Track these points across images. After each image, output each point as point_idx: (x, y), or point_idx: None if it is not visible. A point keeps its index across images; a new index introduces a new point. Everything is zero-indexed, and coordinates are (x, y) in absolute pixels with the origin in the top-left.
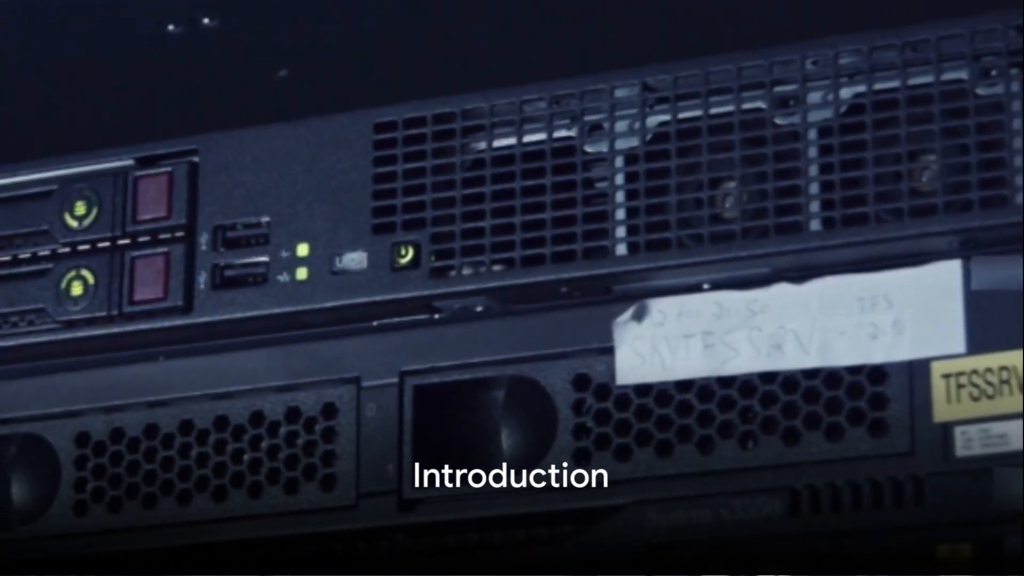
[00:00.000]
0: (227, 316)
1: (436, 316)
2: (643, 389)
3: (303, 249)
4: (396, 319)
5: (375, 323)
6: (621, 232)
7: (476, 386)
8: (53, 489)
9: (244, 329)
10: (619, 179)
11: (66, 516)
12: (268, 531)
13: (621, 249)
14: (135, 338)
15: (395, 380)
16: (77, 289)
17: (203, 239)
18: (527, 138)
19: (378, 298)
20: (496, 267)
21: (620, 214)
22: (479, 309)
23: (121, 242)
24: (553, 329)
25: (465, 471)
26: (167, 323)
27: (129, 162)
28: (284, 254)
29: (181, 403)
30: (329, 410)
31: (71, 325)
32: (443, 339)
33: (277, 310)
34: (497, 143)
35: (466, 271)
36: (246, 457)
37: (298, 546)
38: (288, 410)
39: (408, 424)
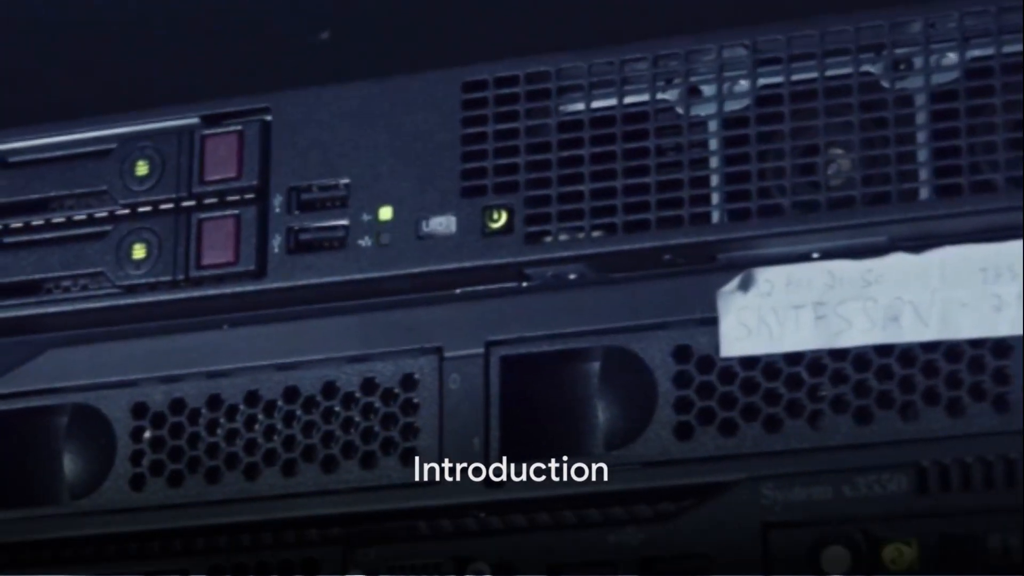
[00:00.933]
0: (303, 281)
1: (524, 284)
2: (749, 361)
3: (386, 212)
4: (481, 287)
5: (458, 291)
6: (728, 198)
7: (568, 357)
8: (107, 462)
9: (320, 295)
10: (724, 143)
11: (122, 490)
12: (343, 507)
13: (727, 216)
14: (202, 304)
15: (480, 350)
16: (139, 252)
17: (277, 201)
18: (628, 99)
19: (468, 264)
20: (595, 233)
21: (726, 180)
22: (571, 277)
23: (186, 204)
24: (651, 298)
25: (556, 446)
26: (238, 288)
27: (194, 120)
28: (365, 217)
29: (246, 373)
30: (408, 381)
31: (132, 290)
32: (532, 308)
33: (358, 276)
34: (596, 104)
35: (563, 237)
36: (318, 430)
37: (376, 523)
38: (364, 381)
39: (495, 396)
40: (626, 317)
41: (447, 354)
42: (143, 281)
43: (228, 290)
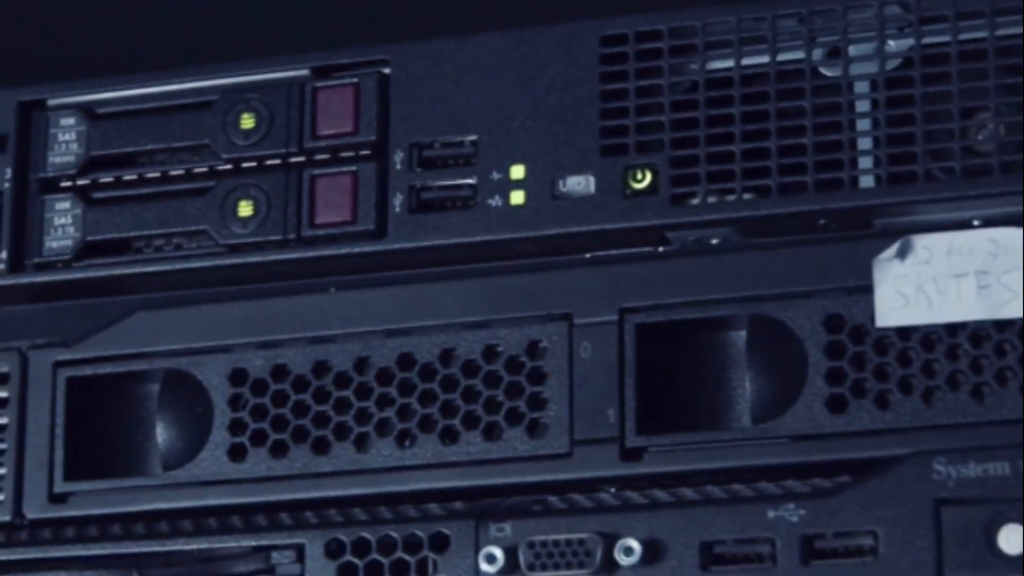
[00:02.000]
0: (426, 243)
1: (660, 249)
2: (905, 332)
3: (518, 171)
4: (614, 251)
5: (588, 255)
6: (889, 161)
7: (709, 325)
8: (204, 431)
9: (443, 257)
10: (884, 104)
11: (220, 461)
12: (464, 480)
13: (887, 180)
14: (314, 265)
15: (614, 317)
16: (246, 210)
17: (398, 158)
18: (781, 56)
19: (607, 226)
20: (747, 196)
21: (887, 142)
22: (714, 242)
23: (295, 159)
24: (798, 265)
25: (697, 418)
26: (356, 249)
27: (304, 72)
28: (495, 176)
29: (355, 339)
30: (535, 349)
31: (237, 249)
32: (670, 274)
33: (487, 237)
34: (747, 61)
35: (711, 199)
36: (436, 399)
37: (501, 496)
38: (486, 348)
39: (630, 366)
40: (772, 284)
41: (577, 321)
42: (250, 240)
43: (344, 250)
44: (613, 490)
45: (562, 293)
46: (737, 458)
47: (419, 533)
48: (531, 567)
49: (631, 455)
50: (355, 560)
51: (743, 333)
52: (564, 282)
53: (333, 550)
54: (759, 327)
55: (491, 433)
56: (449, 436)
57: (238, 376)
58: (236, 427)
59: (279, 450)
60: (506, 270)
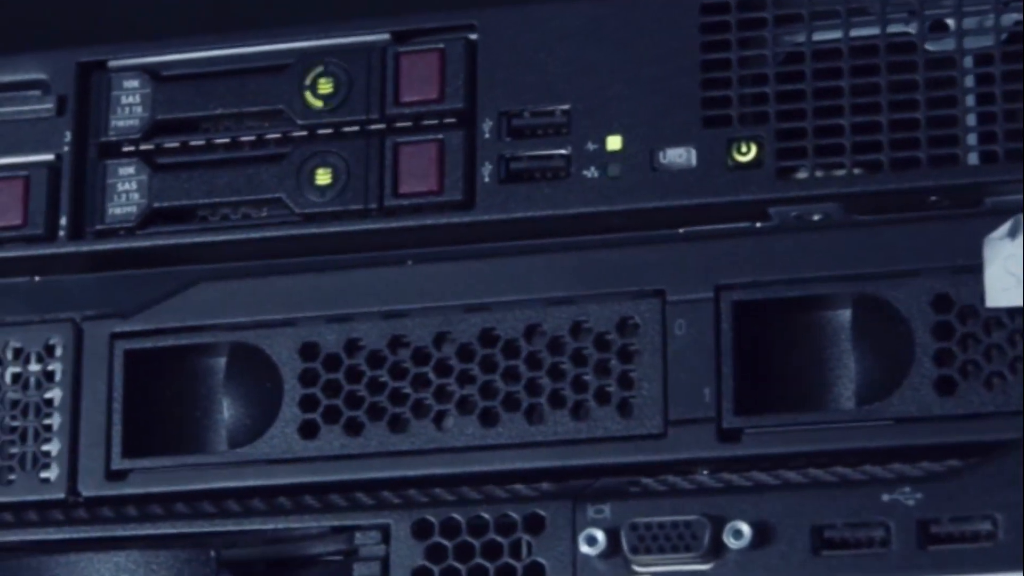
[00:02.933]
0: (517, 214)
1: (758, 225)
2: (1015, 313)
3: (614, 142)
4: (708, 226)
5: (681, 230)
6: (1006, 138)
7: (809, 304)
8: (273, 407)
9: (534, 229)
10: (1001, 79)
11: (290, 438)
12: (551, 460)
13: (997, 157)
14: (396, 235)
15: (710, 294)
16: (324, 178)
17: (486, 126)
18: (892, 28)
19: (709, 200)
20: (856, 170)
21: (1004, 118)
22: (815, 218)
23: (375, 127)
24: (904, 243)
25: (797, 399)
26: (443, 220)
27: (385, 36)
28: (591, 147)
29: (432, 313)
30: (626, 326)
31: (314, 219)
32: (769, 250)
33: (582, 209)
34: (855, 32)
35: (818, 174)
36: (520, 377)
37: (591, 478)
38: (573, 325)
39: (727, 344)
40: (876, 262)
41: (670, 298)
42: (329, 209)
43: (430, 221)
44: (706, 472)
45: (654, 269)
46: (840, 441)
47: (512, 514)
48: (634, 550)
49: (729, 436)
50: (444, 542)
51: (844, 312)
52: (656, 257)
53: (421, 531)
54: (864, 306)
55: (580, 412)
56: (535, 415)
57: (309, 350)
58: (307, 403)
59: (353, 428)
60: (594, 244)
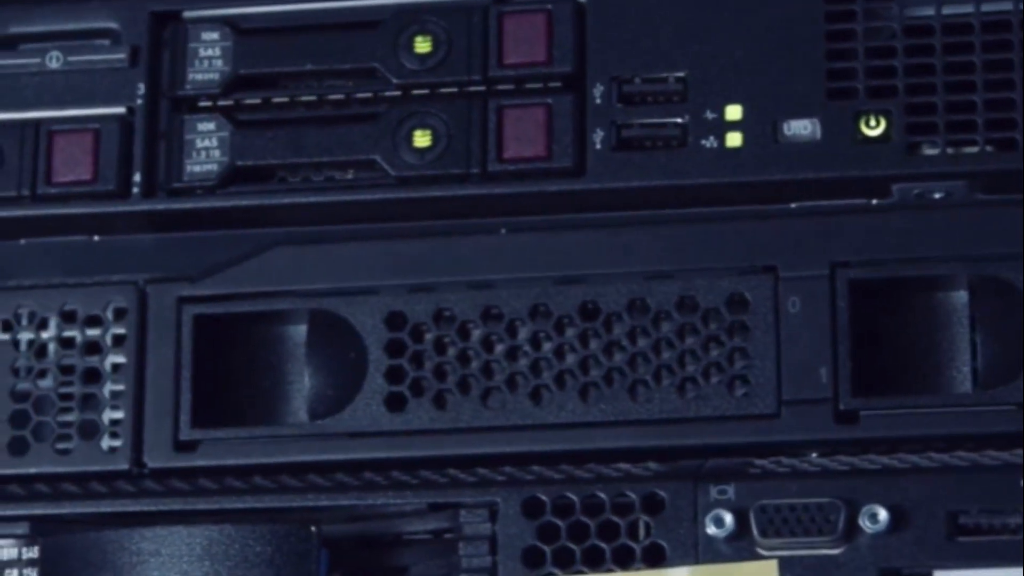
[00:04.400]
0: (630, 183)
1: (875, 201)
2: None
3: (734, 111)
4: (823, 202)
5: (794, 205)
6: None
7: (927, 284)
8: (357, 379)
9: (646, 199)
10: None
11: (375, 411)
12: (659, 439)
13: None
14: (499, 202)
15: (825, 272)
16: (422, 140)
17: (597, 92)
18: None
19: (835, 174)
20: (988, 148)
21: None
22: (937, 196)
23: (474, 88)
24: None
25: (916, 380)
26: (551, 187)
27: None
28: (709, 115)
29: (527, 284)
30: (736, 302)
31: (410, 182)
32: (887, 228)
33: (700, 180)
34: (987, 8)
35: (948, 150)
36: (623, 351)
37: (699, 458)
38: (680, 299)
39: (843, 323)
40: (998, 243)
41: (783, 274)
42: (427, 173)
43: (536, 188)
44: (815, 455)
45: (765, 244)
46: (960, 425)
47: (630, 494)
48: (764, 532)
49: (845, 418)
50: (557, 521)
51: (961, 294)
52: (767, 232)
53: (532, 510)
54: (982, 288)
55: (688, 390)
56: (640, 392)
57: (396, 320)
58: (394, 375)
59: (443, 401)
60: (700, 217)
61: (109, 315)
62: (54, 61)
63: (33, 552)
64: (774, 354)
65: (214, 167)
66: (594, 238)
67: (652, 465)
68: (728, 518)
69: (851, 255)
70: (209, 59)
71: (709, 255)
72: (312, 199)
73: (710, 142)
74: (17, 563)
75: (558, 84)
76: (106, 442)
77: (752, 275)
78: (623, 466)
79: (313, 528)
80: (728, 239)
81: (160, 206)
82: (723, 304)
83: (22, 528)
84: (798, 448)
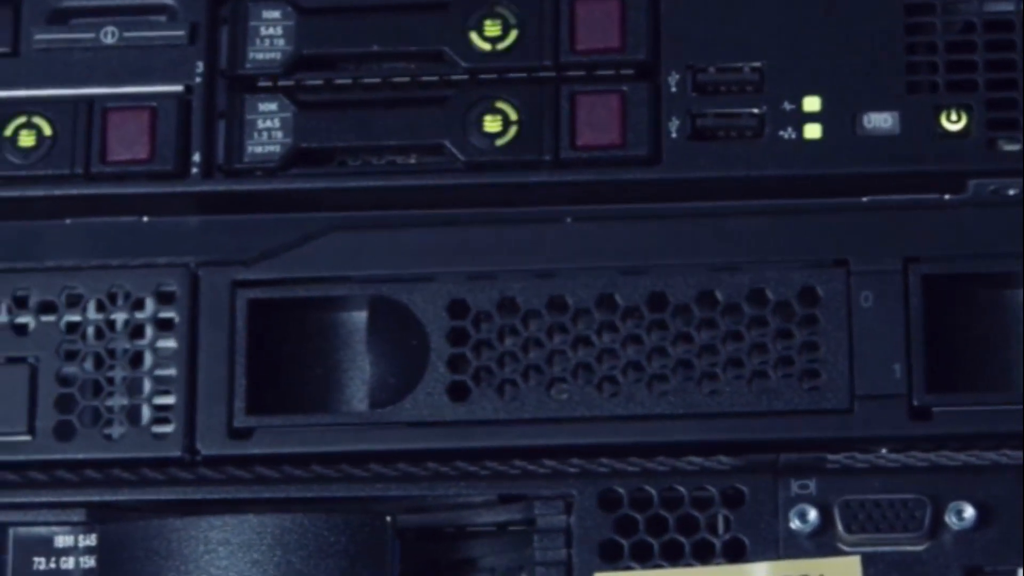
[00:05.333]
0: (706, 173)
1: (947, 197)
2: None
3: (812, 103)
4: (894, 196)
5: (865, 199)
6: None
7: (1002, 281)
8: (418, 368)
9: (721, 190)
10: None
11: (437, 401)
12: (725, 433)
13: None
14: (570, 189)
15: (898, 267)
16: (493, 125)
17: (672, 80)
18: None
19: (914, 168)
20: None
21: None
22: (1011, 192)
23: (545, 74)
24: None
25: (989, 378)
26: (626, 175)
27: None
28: (787, 107)
29: (592, 274)
30: (808, 296)
31: (479, 168)
32: (960, 223)
33: (778, 172)
34: None
35: None
36: (692, 342)
37: (770, 452)
38: (751, 292)
39: (918, 318)
40: None
41: (855, 268)
42: (498, 159)
43: (610, 176)
44: (885, 451)
45: (837, 237)
46: None
47: (709, 488)
48: (848, 528)
49: (920, 414)
50: (635, 514)
51: None
52: (839, 226)
53: (608, 503)
54: None
55: (759, 384)
56: (710, 385)
57: (458, 308)
58: (457, 364)
59: (508, 391)
60: (771, 210)
61: (159, 298)
62: (109, 36)
63: (90, 540)
64: (847, 349)
65: (277, 148)
66: (661, 228)
67: (723, 459)
68: (812, 513)
69: (924, 250)
70: (270, 38)
71: (780, 248)
72: (378, 183)
73: (788, 133)
74: (74, 550)
75: (630, 71)
76: (157, 428)
77: (823, 269)
78: (695, 459)
79: (388, 518)
80: (799, 232)
81: (219, 187)
82: (794, 297)
83: (78, 515)
84: (870, 444)
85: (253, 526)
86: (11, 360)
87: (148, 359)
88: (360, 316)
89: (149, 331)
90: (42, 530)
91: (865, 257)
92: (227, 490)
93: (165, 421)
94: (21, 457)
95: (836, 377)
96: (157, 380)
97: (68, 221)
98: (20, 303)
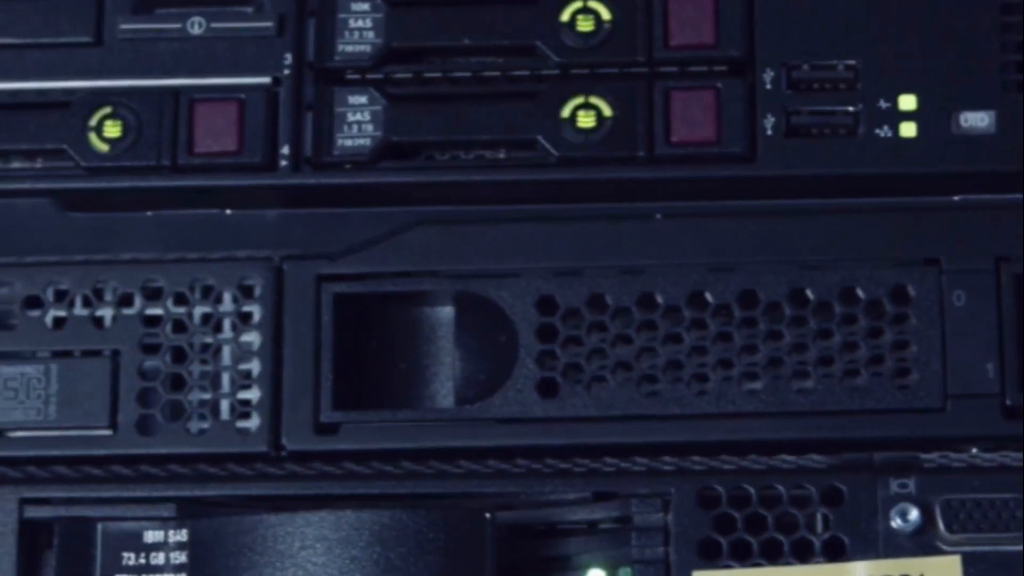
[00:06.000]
0: (801, 171)
1: None
2: None
3: (908, 101)
4: (984, 196)
5: (956, 198)
6: None
7: None
8: (506, 364)
9: (816, 188)
10: None
11: (526, 397)
12: (817, 432)
13: None
14: (666, 185)
15: (990, 266)
16: (586, 120)
17: (767, 77)
18: None
19: (1009, 168)
20: None
21: None
22: None
23: (636, 70)
24: None
25: None
26: (722, 172)
27: None
28: (882, 105)
29: (680, 271)
30: (899, 294)
31: (572, 163)
32: None
33: (873, 170)
34: None
35: None
36: (782, 339)
37: (861, 451)
38: (842, 290)
39: (1010, 318)
40: None
41: (947, 267)
42: (593, 155)
43: (705, 173)
44: (975, 450)
45: (928, 236)
46: None
47: (807, 486)
48: (950, 527)
49: (1012, 413)
50: (734, 513)
51: None
52: (930, 225)
53: (707, 501)
54: None
55: (850, 383)
56: (802, 383)
57: (547, 304)
58: (546, 360)
59: (599, 388)
60: (861, 208)
61: (242, 292)
62: (196, 27)
63: (181, 535)
64: (939, 348)
65: (367, 142)
66: (752, 226)
67: (817, 457)
68: (914, 512)
69: (1015, 250)
70: (360, 30)
71: (871, 246)
72: (469, 178)
73: (884, 131)
74: (164, 546)
75: (723, 68)
76: (241, 423)
77: (915, 267)
78: (788, 458)
79: (488, 515)
80: (891, 230)
81: (309, 180)
82: (885, 296)
83: (168, 510)
84: (962, 443)
85: (351, 522)
86: (92, 353)
87: (231, 353)
88: (443, 311)
89: (232, 325)
90: (130, 525)
91: (957, 256)
92: (319, 485)
93: (249, 416)
94: (103, 451)
95: (928, 376)
96: (241, 375)
97: (149, 214)
98: (100, 295)
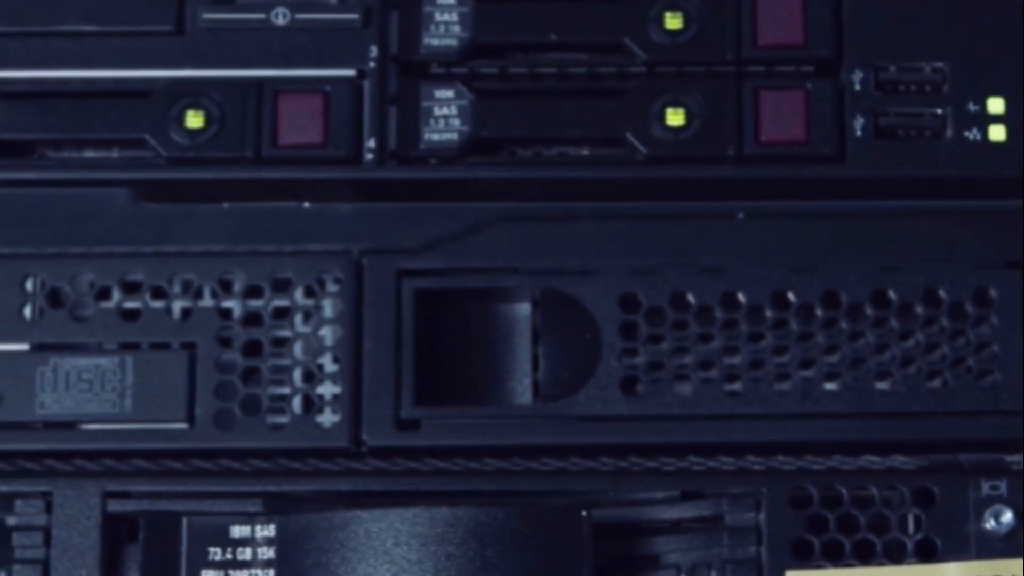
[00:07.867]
0: (891, 172)
1: None
2: None
3: (996, 104)
4: None
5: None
6: None
7: None
8: (589, 362)
9: (903, 190)
10: None
11: (610, 396)
12: (900, 433)
13: None
14: (754, 184)
15: None
16: (675, 118)
17: (856, 78)
18: None
19: None
20: None
21: None
22: None
23: (724, 68)
24: None
25: None
26: (812, 172)
27: None
28: (971, 108)
29: (765, 270)
30: (982, 297)
31: (660, 161)
32: None
33: (961, 173)
34: None
35: None
36: (865, 340)
37: (944, 451)
38: (925, 292)
39: None
40: None
41: None
42: (681, 152)
43: (795, 173)
44: None
45: (1007, 239)
46: None
47: (900, 487)
48: None
49: None
50: (825, 513)
51: None
52: (1014, 228)
53: (799, 501)
54: None
55: (932, 385)
56: (884, 384)
57: (629, 302)
58: (630, 358)
59: (680, 387)
60: (946, 211)
61: (321, 285)
62: (280, 18)
63: (269, 530)
64: (1021, 350)
65: (454, 136)
66: (835, 226)
67: (901, 458)
68: (1008, 514)
69: None
70: (445, 24)
71: (954, 249)
72: (557, 174)
73: (973, 134)
74: (251, 541)
75: (810, 68)
76: (321, 418)
77: (998, 270)
78: (874, 458)
79: (584, 512)
80: (974, 233)
81: (394, 174)
82: (968, 299)
83: (254, 505)
84: None
85: (446, 519)
86: (166, 346)
87: (311, 347)
88: (521, 307)
89: (311, 319)
90: (216, 519)
91: None
92: (406, 482)
93: (329, 411)
94: (180, 445)
95: (1011, 379)
96: (320, 369)
97: (226, 205)
98: (186, 287)
